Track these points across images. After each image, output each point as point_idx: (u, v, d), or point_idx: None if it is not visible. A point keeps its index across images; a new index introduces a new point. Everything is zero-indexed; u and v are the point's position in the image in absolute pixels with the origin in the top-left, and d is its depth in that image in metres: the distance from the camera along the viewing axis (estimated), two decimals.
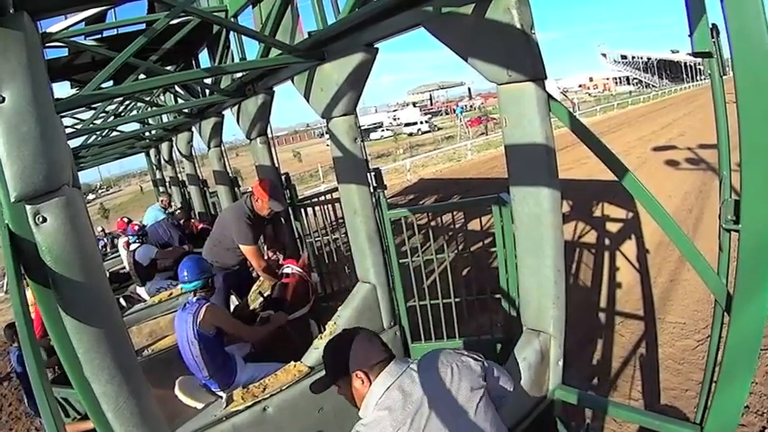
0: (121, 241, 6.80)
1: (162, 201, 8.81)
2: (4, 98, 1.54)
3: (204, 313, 3.24)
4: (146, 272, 6.16)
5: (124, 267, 7.19)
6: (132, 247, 6.25)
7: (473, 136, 32.77)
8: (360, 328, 1.94)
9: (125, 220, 7.64)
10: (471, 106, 66.68)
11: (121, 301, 6.10)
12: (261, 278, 4.56)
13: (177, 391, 3.21)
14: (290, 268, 3.88)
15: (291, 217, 5.63)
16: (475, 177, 16.79)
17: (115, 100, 5.85)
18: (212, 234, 4.64)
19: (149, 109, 5.87)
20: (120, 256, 7.76)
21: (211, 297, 3.49)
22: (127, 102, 6.43)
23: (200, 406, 3.19)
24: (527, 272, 2.60)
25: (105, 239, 11.84)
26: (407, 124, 55.73)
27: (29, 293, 1.69)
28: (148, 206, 9.34)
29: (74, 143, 6.17)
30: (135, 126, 7.67)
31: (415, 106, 75.69)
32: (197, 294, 3.40)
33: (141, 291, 6.16)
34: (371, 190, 3.75)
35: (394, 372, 1.75)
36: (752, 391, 3.67)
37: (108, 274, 7.15)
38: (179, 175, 9.79)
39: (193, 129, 7.12)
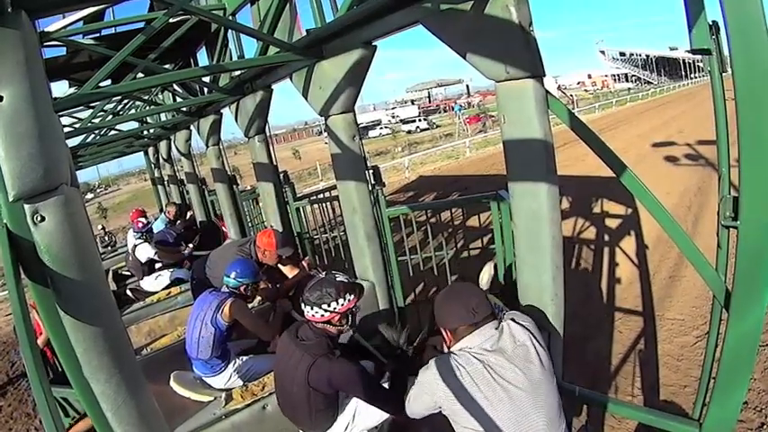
0: (131, 232, 6.78)
1: (168, 212, 7.82)
2: (2, 97, 1.53)
3: (228, 307, 3.31)
4: (144, 268, 6.25)
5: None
6: (136, 242, 6.28)
7: (472, 134, 32.74)
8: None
9: (140, 210, 7.62)
10: (470, 104, 66.63)
11: (128, 292, 6.21)
12: None
13: (172, 383, 3.26)
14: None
15: (290, 216, 5.62)
16: (474, 175, 16.79)
17: (113, 99, 5.85)
18: (209, 270, 4.41)
19: (148, 108, 5.87)
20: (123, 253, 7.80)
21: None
22: (125, 100, 6.43)
23: (194, 396, 3.24)
24: (526, 268, 2.60)
25: (107, 238, 11.88)
26: (405, 121, 55.56)
27: None
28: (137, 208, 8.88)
29: (72, 142, 6.17)
30: (133, 125, 7.67)
31: (413, 104, 75.58)
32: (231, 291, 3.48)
33: (143, 283, 6.28)
34: (370, 188, 3.75)
35: None
36: (750, 388, 3.68)
37: (113, 273, 7.24)
38: (177, 174, 9.79)
39: (192, 127, 7.11)
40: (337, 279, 2.49)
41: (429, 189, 15.48)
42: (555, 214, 2.40)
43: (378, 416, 2.59)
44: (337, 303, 2.41)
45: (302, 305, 2.47)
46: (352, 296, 2.48)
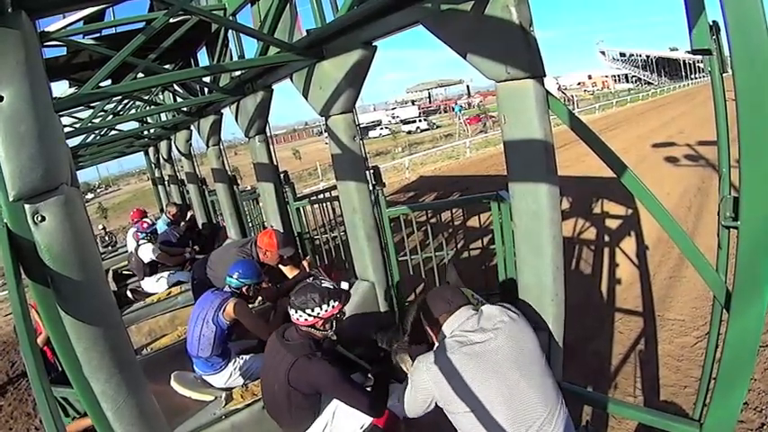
0: (131, 232, 6.75)
1: (169, 212, 7.56)
2: (2, 97, 1.54)
3: (230, 307, 3.35)
4: (146, 268, 6.23)
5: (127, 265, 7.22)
6: (139, 242, 6.28)
7: (472, 134, 32.72)
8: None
9: (141, 210, 7.61)
10: (470, 104, 66.58)
11: (129, 293, 6.19)
12: None
13: (173, 383, 3.27)
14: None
15: (290, 216, 5.63)
16: (474, 175, 16.77)
17: (114, 99, 5.84)
18: (210, 271, 4.39)
19: (148, 108, 5.86)
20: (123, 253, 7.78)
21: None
22: (125, 100, 6.43)
23: (194, 396, 3.26)
24: (526, 269, 2.60)
25: (107, 238, 11.89)
26: (405, 122, 55.35)
27: None
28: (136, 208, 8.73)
29: (72, 142, 6.18)
30: (134, 125, 7.66)
31: (414, 104, 75.48)
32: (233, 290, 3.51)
33: (144, 284, 6.27)
34: (370, 188, 3.75)
35: None
36: (751, 388, 3.67)
37: (113, 273, 7.24)
38: (178, 174, 9.79)
39: (192, 127, 7.11)
40: (323, 285, 2.58)
41: (429, 189, 15.47)
42: (555, 214, 2.40)
43: (358, 421, 2.59)
44: (321, 309, 2.48)
45: (288, 308, 2.55)
46: (337, 302, 2.54)
